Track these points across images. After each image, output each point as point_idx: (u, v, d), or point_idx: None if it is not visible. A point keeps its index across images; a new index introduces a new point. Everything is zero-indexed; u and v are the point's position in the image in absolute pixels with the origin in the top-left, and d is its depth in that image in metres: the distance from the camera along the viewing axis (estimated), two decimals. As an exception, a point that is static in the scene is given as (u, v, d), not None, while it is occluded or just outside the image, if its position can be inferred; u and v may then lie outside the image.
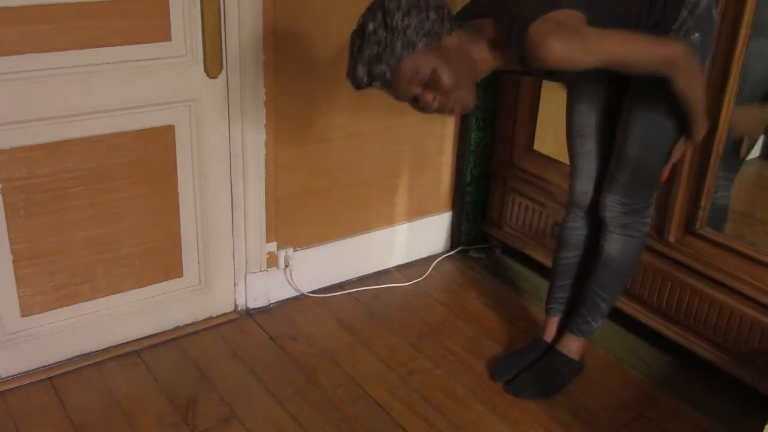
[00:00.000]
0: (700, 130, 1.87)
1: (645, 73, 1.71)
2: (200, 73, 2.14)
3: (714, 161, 2.10)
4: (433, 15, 1.56)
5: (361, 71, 1.57)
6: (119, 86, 2.02)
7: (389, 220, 2.74)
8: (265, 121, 2.29)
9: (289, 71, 2.29)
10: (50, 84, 1.93)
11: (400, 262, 2.83)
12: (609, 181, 2.00)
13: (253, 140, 2.29)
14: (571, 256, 2.19)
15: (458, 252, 2.93)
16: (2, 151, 1.93)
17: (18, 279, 2.06)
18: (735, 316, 2.13)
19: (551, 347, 2.25)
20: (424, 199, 2.82)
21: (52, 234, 2.07)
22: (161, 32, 2.04)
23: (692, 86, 1.73)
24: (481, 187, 2.89)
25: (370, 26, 1.54)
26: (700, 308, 2.21)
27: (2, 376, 2.12)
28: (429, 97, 1.61)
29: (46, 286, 2.12)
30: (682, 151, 1.95)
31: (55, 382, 2.14)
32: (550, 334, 2.27)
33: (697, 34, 1.75)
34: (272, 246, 2.49)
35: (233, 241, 2.40)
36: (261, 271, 2.49)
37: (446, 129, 2.76)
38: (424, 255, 2.88)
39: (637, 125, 1.88)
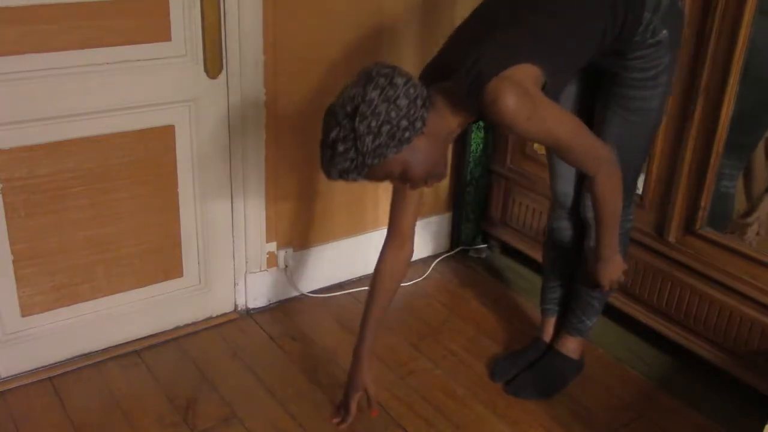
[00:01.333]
0: (611, 270, 1.90)
1: (573, 162, 1.72)
2: (200, 73, 2.14)
3: (714, 161, 2.10)
4: (404, 123, 1.52)
5: (333, 172, 1.55)
6: (119, 86, 2.02)
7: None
8: (265, 121, 2.29)
9: (289, 71, 2.29)
10: (50, 84, 1.93)
11: (400, 262, 2.83)
12: (587, 181, 1.99)
13: (253, 140, 2.29)
14: (560, 256, 2.19)
15: (458, 252, 2.93)
16: (2, 151, 1.93)
17: (18, 279, 2.06)
18: (735, 316, 2.13)
19: (550, 347, 2.25)
20: (424, 199, 2.81)
21: (52, 234, 2.07)
22: (161, 32, 2.04)
23: (612, 191, 1.75)
24: (481, 187, 2.89)
25: (340, 147, 1.51)
26: (700, 308, 2.21)
27: (2, 376, 2.12)
28: (402, 183, 1.64)
29: (46, 286, 2.12)
30: (612, 285, 1.94)
31: (55, 382, 2.14)
32: (548, 334, 2.28)
33: (664, 31, 1.74)
34: (272, 246, 2.49)
35: (233, 241, 2.40)
36: (261, 271, 2.49)
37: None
38: (424, 255, 2.88)
39: (611, 126, 1.88)
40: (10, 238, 2.01)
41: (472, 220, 2.94)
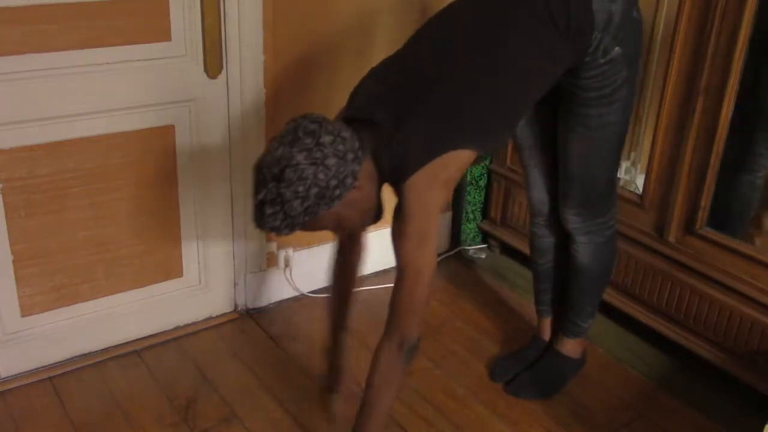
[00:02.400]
0: None
1: (393, 295, 1.62)
2: (200, 73, 2.14)
3: (714, 161, 2.10)
4: (333, 182, 1.46)
5: (264, 226, 1.51)
6: (119, 86, 2.02)
7: (389, 220, 2.73)
8: (265, 122, 2.29)
9: (289, 71, 2.29)
10: (50, 84, 1.93)
11: (400, 262, 2.83)
12: (562, 196, 1.98)
13: (253, 140, 2.29)
14: (545, 261, 2.18)
15: (458, 252, 2.93)
16: (2, 151, 1.93)
17: (18, 279, 2.06)
18: (735, 316, 2.13)
19: (550, 346, 2.25)
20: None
21: (52, 234, 2.07)
22: (161, 32, 2.04)
23: (387, 375, 1.65)
24: (481, 187, 2.89)
25: (269, 210, 1.47)
26: (700, 308, 2.21)
27: (2, 376, 2.12)
28: (335, 232, 1.64)
29: (46, 286, 2.12)
30: None
31: (55, 382, 2.14)
32: (545, 333, 2.27)
33: (617, 48, 1.68)
34: (272, 246, 2.49)
35: (233, 241, 2.40)
36: (261, 271, 2.49)
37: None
38: (424, 255, 2.88)
39: (574, 144, 1.86)
40: (10, 238, 2.01)
41: (472, 220, 2.94)
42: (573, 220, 1.99)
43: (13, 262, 2.04)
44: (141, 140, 2.12)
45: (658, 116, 2.21)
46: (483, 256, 2.93)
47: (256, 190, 1.51)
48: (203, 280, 2.40)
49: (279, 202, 1.46)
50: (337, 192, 1.48)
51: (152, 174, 2.18)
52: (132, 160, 2.13)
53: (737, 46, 1.97)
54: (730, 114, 2.05)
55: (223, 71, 2.17)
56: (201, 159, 2.23)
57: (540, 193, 2.07)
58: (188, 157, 2.21)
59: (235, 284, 2.47)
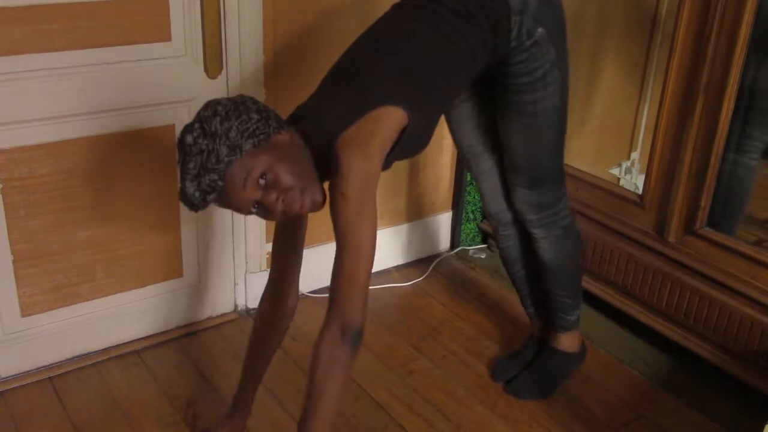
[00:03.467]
0: None
1: (332, 277, 1.55)
2: (200, 73, 2.14)
3: (714, 161, 2.10)
4: (255, 116, 1.47)
5: (191, 187, 1.44)
6: (119, 86, 2.02)
7: (389, 220, 2.74)
8: (265, 121, 2.29)
9: (289, 71, 2.29)
10: (50, 84, 1.93)
11: (400, 262, 2.83)
12: (512, 187, 1.98)
13: (253, 140, 2.29)
14: (518, 269, 2.18)
15: (458, 252, 2.93)
16: (2, 151, 1.93)
17: (18, 279, 2.06)
18: (735, 316, 2.13)
19: (546, 343, 2.24)
20: (424, 199, 2.82)
21: (52, 234, 2.07)
22: (161, 32, 2.04)
23: (330, 367, 1.50)
24: (481, 187, 2.88)
25: (189, 138, 1.44)
26: (700, 308, 2.21)
27: (2, 376, 2.12)
28: (272, 197, 1.46)
29: (46, 286, 2.12)
30: None
31: (55, 382, 2.15)
32: (540, 331, 2.27)
33: (540, 29, 1.68)
34: (272, 246, 2.48)
35: (233, 241, 2.40)
36: (261, 271, 2.49)
37: (446, 129, 2.74)
38: (424, 255, 2.88)
39: (515, 135, 1.86)
40: (10, 238, 2.01)
41: (472, 220, 2.94)
42: (526, 213, 1.99)
43: (13, 262, 2.04)
44: (141, 140, 2.12)
45: (658, 116, 2.22)
46: (483, 256, 2.93)
47: (180, 141, 1.47)
48: (203, 280, 2.40)
49: (201, 133, 1.43)
50: (262, 127, 1.46)
51: (152, 174, 2.18)
52: (132, 160, 2.13)
53: (737, 46, 1.97)
54: (730, 114, 2.05)
55: (223, 71, 2.17)
56: (201, 159, 2.23)
57: (495, 204, 2.06)
58: (188, 157, 2.21)
59: (235, 284, 2.47)
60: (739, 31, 1.96)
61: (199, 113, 1.49)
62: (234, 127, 1.44)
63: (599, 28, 2.80)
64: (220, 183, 1.44)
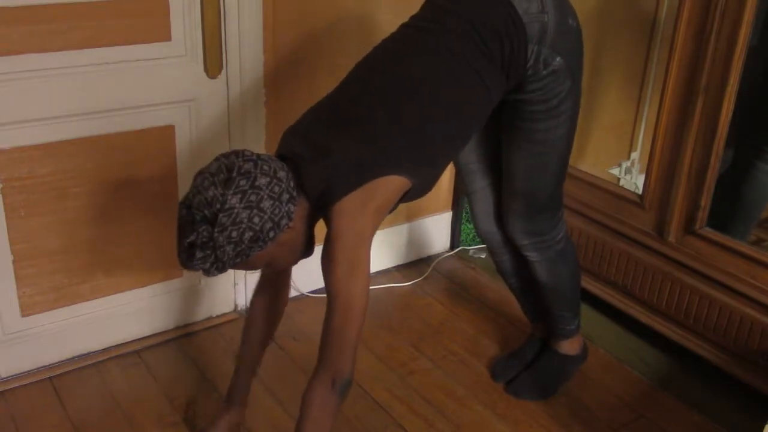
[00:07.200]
0: None
1: (323, 333, 1.54)
2: (200, 73, 2.14)
3: (714, 161, 2.10)
4: (268, 225, 1.44)
5: (195, 269, 1.49)
6: (119, 86, 2.02)
7: (389, 220, 2.73)
8: (265, 121, 2.29)
9: (289, 71, 2.29)
10: (50, 84, 1.93)
11: (400, 262, 2.83)
12: (507, 211, 1.95)
13: (253, 140, 2.29)
14: (514, 281, 2.17)
15: (458, 252, 2.93)
16: (2, 151, 1.93)
17: (18, 279, 2.06)
18: (735, 316, 2.13)
19: (547, 344, 2.24)
20: (424, 198, 2.81)
21: (52, 234, 2.07)
22: (161, 32, 2.04)
23: (319, 411, 1.53)
24: (481, 187, 2.88)
25: (199, 254, 1.45)
26: (700, 308, 2.21)
27: (2, 376, 2.12)
28: (264, 269, 1.62)
29: (46, 286, 2.12)
30: None
31: (55, 382, 2.14)
32: (540, 331, 2.27)
33: (558, 59, 1.65)
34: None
35: (233, 241, 2.40)
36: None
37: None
38: (424, 255, 2.88)
39: (519, 160, 1.83)
40: (10, 238, 2.01)
41: (471, 220, 2.93)
42: (519, 238, 1.97)
43: (13, 262, 2.04)
44: (141, 140, 2.12)
45: (658, 116, 2.22)
46: (483, 256, 2.93)
47: (185, 230, 1.47)
48: (203, 280, 2.40)
49: (211, 247, 1.44)
50: (271, 234, 1.47)
51: (152, 174, 2.17)
52: (132, 160, 2.13)
53: (737, 46, 1.97)
54: (730, 114, 2.05)
55: (223, 71, 2.17)
56: (201, 159, 2.22)
57: (486, 224, 2.04)
58: (188, 157, 2.21)
59: (234, 284, 2.47)
60: (739, 32, 1.96)
61: (207, 207, 1.44)
62: (244, 241, 1.44)
63: (599, 28, 2.80)
64: (220, 274, 1.50)
